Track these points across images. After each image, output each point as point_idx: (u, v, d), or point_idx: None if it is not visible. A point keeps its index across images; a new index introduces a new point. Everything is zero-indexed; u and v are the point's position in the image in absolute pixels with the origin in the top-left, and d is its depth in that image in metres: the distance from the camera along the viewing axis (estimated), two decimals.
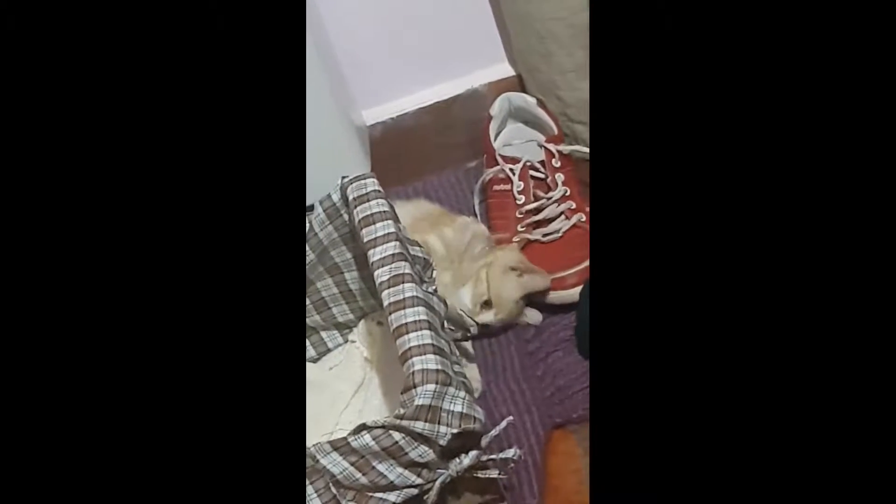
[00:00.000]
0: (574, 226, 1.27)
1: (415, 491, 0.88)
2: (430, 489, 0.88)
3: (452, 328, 1.08)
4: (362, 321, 1.28)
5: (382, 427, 0.84)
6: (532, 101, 1.40)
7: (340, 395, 1.22)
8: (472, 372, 1.19)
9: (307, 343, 1.27)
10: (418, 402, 0.83)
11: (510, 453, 0.90)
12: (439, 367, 0.86)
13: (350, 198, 1.04)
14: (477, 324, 1.17)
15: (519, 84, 1.58)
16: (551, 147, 1.32)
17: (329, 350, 1.29)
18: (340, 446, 0.84)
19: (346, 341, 1.29)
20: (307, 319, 1.24)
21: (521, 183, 1.30)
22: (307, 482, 0.85)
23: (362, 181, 1.05)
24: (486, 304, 1.21)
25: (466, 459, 0.87)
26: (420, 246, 1.09)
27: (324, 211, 1.11)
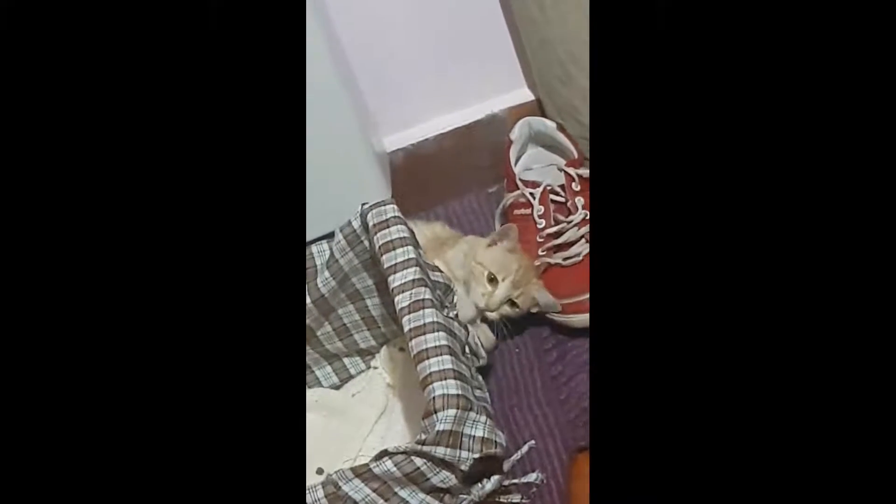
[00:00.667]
0: None
1: None
2: None
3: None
4: (384, 347, 1.28)
5: (404, 453, 0.84)
6: (552, 125, 1.40)
7: (364, 420, 1.22)
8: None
9: (330, 369, 1.27)
10: (439, 427, 0.83)
11: (532, 477, 0.90)
12: (460, 391, 0.86)
13: (370, 224, 1.05)
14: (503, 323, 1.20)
15: (538, 108, 1.58)
16: (571, 171, 1.31)
17: (352, 376, 1.29)
18: (362, 472, 0.85)
19: (369, 367, 1.29)
20: (330, 346, 1.24)
21: (542, 207, 1.30)
22: None
23: (382, 207, 1.05)
24: (493, 282, 1.22)
25: (489, 484, 0.87)
26: (441, 271, 1.09)
27: (344, 238, 1.11)
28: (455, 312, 1.08)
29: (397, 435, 1.19)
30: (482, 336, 1.22)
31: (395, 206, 1.06)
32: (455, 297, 1.11)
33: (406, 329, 0.93)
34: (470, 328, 1.06)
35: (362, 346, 1.26)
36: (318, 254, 1.17)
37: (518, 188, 1.34)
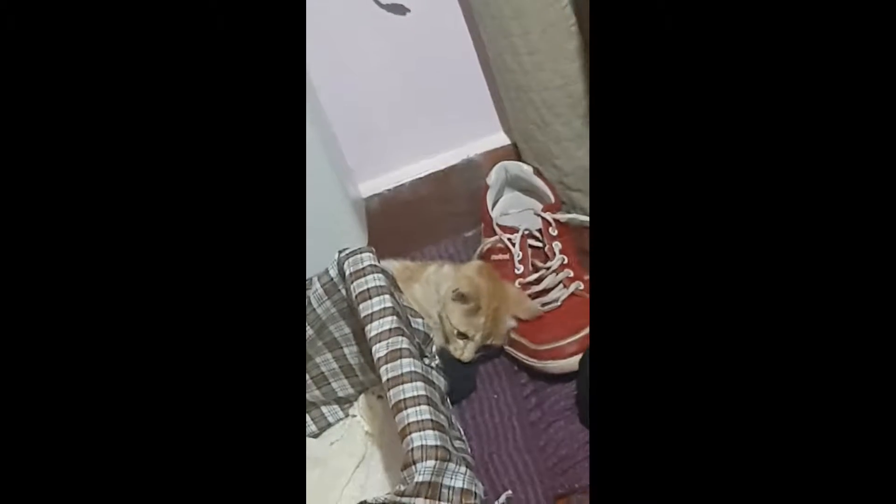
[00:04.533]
0: (572, 294, 1.27)
1: None
2: None
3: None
4: (362, 395, 1.27)
5: None
6: (528, 169, 1.41)
7: (342, 470, 1.21)
8: None
9: (308, 418, 1.26)
10: (418, 478, 0.83)
11: None
12: (439, 442, 0.85)
13: (347, 272, 1.05)
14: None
15: (515, 153, 1.59)
16: (548, 216, 1.32)
17: (330, 425, 1.29)
18: None
19: (347, 416, 1.29)
20: (307, 395, 1.23)
21: (521, 253, 1.31)
22: None
23: (358, 255, 1.05)
24: (464, 337, 1.24)
25: None
26: (422, 318, 1.09)
27: (321, 286, 1.11)
28: (437, 361, 1.08)
29: (377, 484, 1.18)
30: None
31: (372, 254, 1.05)
32: (434, 347, 1.11)
33: (384, 379, 0.93)
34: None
35: (340, 394, 1.26)
36: None
37: (495, 233, 1.34)
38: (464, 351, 1.24)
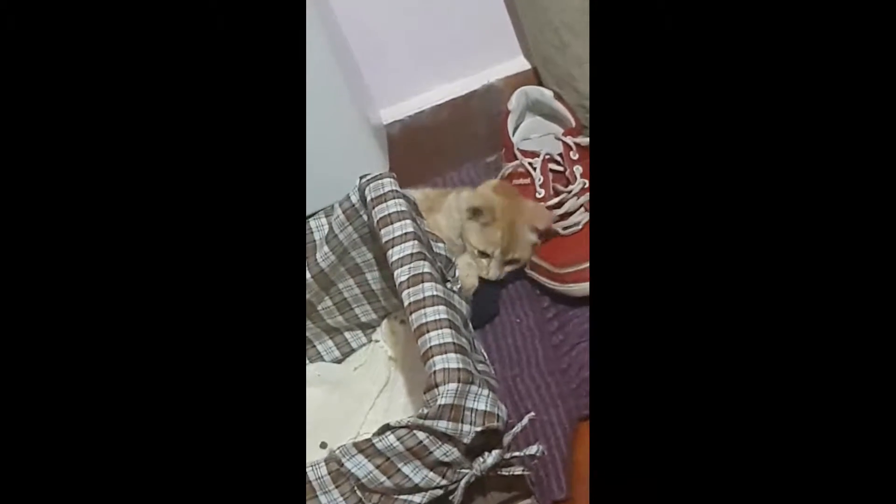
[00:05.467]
0: None
1: (440, 492, 0.88)
2: (455, 489, 0.88)
3: None
4: (385, 320, 1.28)
5: (406, 427, 0.84)
6: (549, 94, 1.40)
7: (366, 394, 1.23)
8: None
9: (331, 343, 1.27)
10: (441, 401, 0.83)
11: (534, 450, 0.90)
12: (461, 365, 0.85)
13: (368, 198, 1.05)
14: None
15: (535, 77, 1.58)
16: (568, 140, 1.31)
17: (353, 350, 1.30)
18: (365, 448, 0.85)
19: (370, 341, 1.30)
20: (331, 320, 1.24)
21: (542, 177, 1.30)
22: (333, 486, 0.85)
23: (379, 181, 1.05)
24: (485, 255, 1.25)
25: (490, 459, 0.87)
26: (443, 243, 1.09)
27: (343, 213, 1.11)
28: (458, 286, 1.08)
29: (400, 408, 1.19)
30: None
31: (393, 180, 1.05)
32: (456, 270, 1.11)
33: (406, 303, 0.93)
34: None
35: (363, 319, 1.26)
36: (316, 228, 1.17)
37: (516, 158, 1.34)
38: (489, 269, 1.25)
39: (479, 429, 0.85)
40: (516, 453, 0.90)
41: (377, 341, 1.28)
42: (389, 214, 1.01)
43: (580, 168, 1.30)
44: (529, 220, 1.24)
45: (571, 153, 1.31)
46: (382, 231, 1.00)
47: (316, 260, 1.16)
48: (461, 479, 0.88)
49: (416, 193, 1.30)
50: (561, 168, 1.31)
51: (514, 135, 1.39)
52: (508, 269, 1.26)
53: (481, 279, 1.26)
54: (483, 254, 1.23)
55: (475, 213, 1.23)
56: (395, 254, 0.98)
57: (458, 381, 0.84)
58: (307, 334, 1.25)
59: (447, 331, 0.89)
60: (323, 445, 1.15)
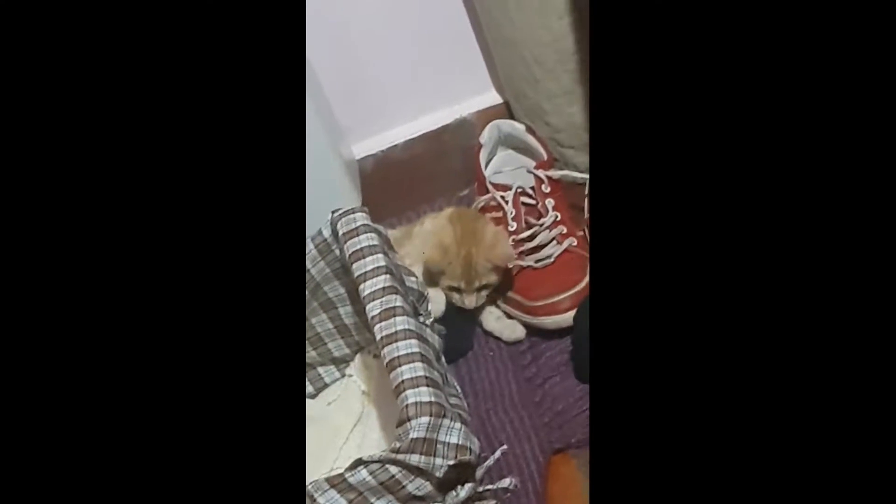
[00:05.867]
0: (566, 250, 1.27)
1: None
2: None
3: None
4: (358, 355, 1.28)
5: (379, 461, 0.84)
6: (521, 127, 1.40)
7: (339, 429, 1.22)
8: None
9: (305, 379, 1.27)
10: (413, 435, 0.83)
11: (507, 483, 0.90)
12: (433, 398, 0.86)
13: (340, 232, 1.05)
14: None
15: (507, 111, 1.59)
16: (540, 173, 1.32)
17: (326, 385, 1.29)
18: (338, 483, 0.85)
19: (344, 376, 1.29)
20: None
21: (514, 210, 1.31)
22: None
23: (351, 215, 1.05)
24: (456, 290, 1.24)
25: (463, 492, 0.88)
26: (416, 277, 1.09)
27: (315, 247, 1.11)
28: (431, 319, 1.08)
29: (374, 443, 1.19)
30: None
31: (365, 214, 1.05)
32: (429, 304, 1.11)
33: (378, 337, 0.93)
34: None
35: (336, 354, 1.26)
36: None
37: (489, 192, 1.34)
38: (463, 302, 1.24)
39: (451, 462, 0.85)
40: (489, 486, 0.90)
41: (350, 376, 1.28)
42: (361, 248, 1.01)
43: (552, 201, 1.31)
44: (487, 254, 1.22)
45: (543, 186, 1.32)
46: (354, 265, 1.01)
47: None
48: None
49: (394, 232, 1.30)
50: (533, 201, 1.32)
51: (486, 168, 1.39)
52: (484, 293, 1.26)
53: (460, 308, 1.25)
54: (452, 288, 1.23)
55: (430, 273, 1.23)
56: (367, 288, 0.98)
57: (431, 415, 0.84)
58: None
59: (419, 364, 0.89)
60: None
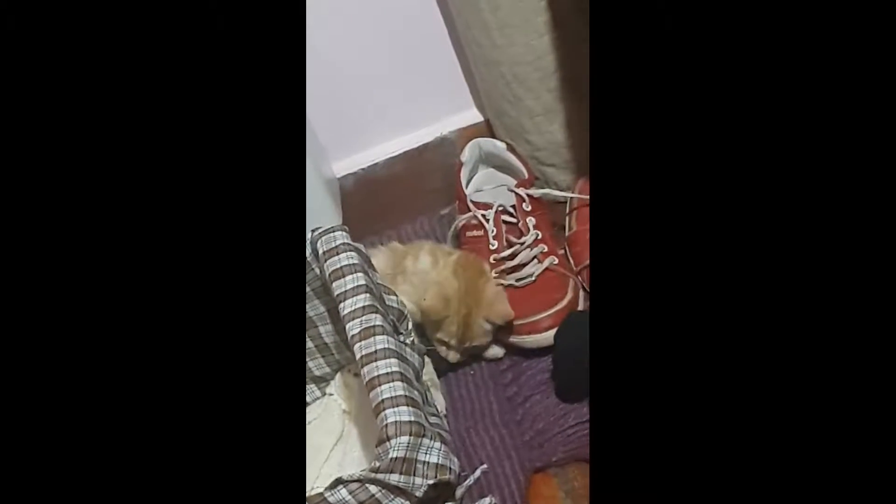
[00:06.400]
0: (547, 269, 1.27)
1: None
2: None
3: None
4: (339, 374, 1.28)
5: (358, 481, 0.84)
6: (502, 145, 1.40)
7: (320, 448, 1.22)
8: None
9: None
10: (393, 454, 0.83)
11: (486, 502, 0.90)
12: (413, 418, 0.85)
13: (320, 251, 1.05)
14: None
15: (488, 129, 1.59)
16: (521, 192, 1.32)
17: (307, 404, 1.28)
18: (318, 502, 0.84)
19: (324, 394, 1.29)
20: None
21: (495, 229, 1.31)
22: None
23: (331, 234, 1.05)
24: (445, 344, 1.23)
25: None
26: (396, 295, 1.09)
27: (305, 265, 1.11)
28: (412, 339, 1.08)
29: (354, 461, 1.18)
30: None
31: (345, 233, 1.05)
32: (410, 324, 1.11)
33: (357, 356, 0.93)
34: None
35: (317, 373, 1.26)
36: None
37: (470, 210, 1.34)
38: (448, 355, 1.23)
39: (431, 482, 0.84)
40: None
41: (331, 394, 1.28)
42: (341, 267, 1.01)
43: (533, 220, 1.31)
44: (486, 313, 1.21)
45: (524, 205, 1.31)
46: (334, 284, 1.00)
47: None
48: None
49: (382, 252, 1.30)
50: (514, 220, 1.32)
51: (467, 187, 1.39)
52: (467, 353, 1.25)
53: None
54: (441, 341, 1.23)
55: (425, 318, 1.22)
56: (346, 307, 0.98)
57: (410, 434, 0.84)
58: None
59: (399, 384, 0.89)
60: None
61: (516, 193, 1.32)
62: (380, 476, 0.83)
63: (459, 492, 0.89)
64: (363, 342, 0.93)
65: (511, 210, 1.32)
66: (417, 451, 0.84)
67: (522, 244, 1.29)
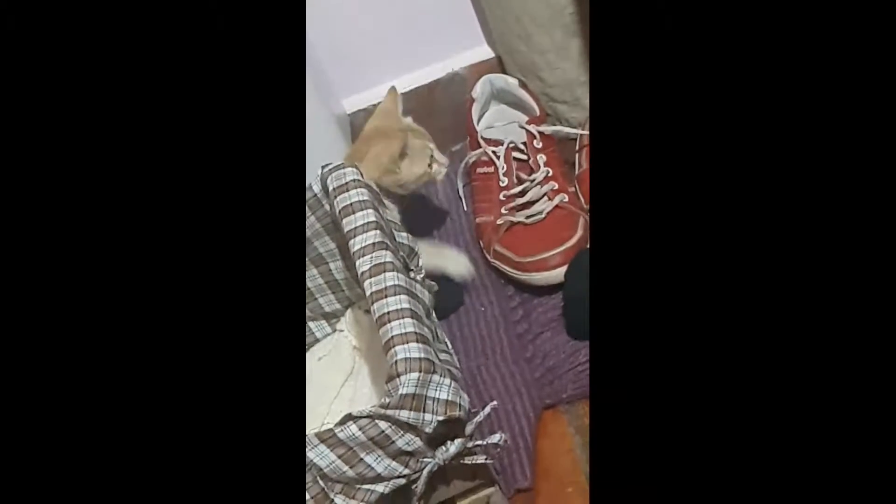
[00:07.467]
0: (557, 206, 1.26)
1: (402, 481, 0.87)
2: (417, 478, 0.88)
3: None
4: (349, 310, 1.28)
5: (368, 416, 0.84)
6: (514, 82, 1.40)
7: (330, 385, 1.22)
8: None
9: None
10: (402, 390, 0.83)
11: (496, 438, 0.90)
12: (422, 354, 0.85)
13: (330, 188, 1.04)
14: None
15: (499, 66, 1.58)
16: (532, 129, 1.31)
17: (318, 340, 1.29)
18: (327, 438, 0.84)
19: (335, 331, 1.29)
20: None
21: (505, 165, 1.30)
22: None
23: (341, 171, 1.04)
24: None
25: (452, 447, 0.87)
26: (406, 232, 1.09)
27: (305, 202, 1.11)
28: (422, 275, 1.08)
29: (365, 398, 1.19)
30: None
31: (355, 169, 1.05)
32: (420, 260, 1.10)
33: (368, 293, 0.93)
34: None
35: (327, 309, 1.26)
36: None
37: (480, 147, 1.33)
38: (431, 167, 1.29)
39: (440, 418, 0.84)
40: (479, 442, 0.90)
41: (341, 331, 1.28)
42: (351, 204, 1.01)
43: (543, 157, 1.30)
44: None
45: (535, 142, 1.31)
46: (344, 221, 1.00)
47: None
48: (424, 469, 0.88)
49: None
50: (524, 157, 1.31)
51: (478, 123, 1.39)
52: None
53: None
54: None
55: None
56: (356, 243, 0.97)
57: (420, 371, 0.84)
58: None
59: (409, 320, 0.88)
60: None
61: (527, 130, 1.32)
62: (390, 412, 0.83)
63: (469, 428, 0.89)
64: (373, 279, 0.93)
65: (522, 147, 1.31)
66: (427, 388, 0.84)
67: (532, 181, 1.29)
